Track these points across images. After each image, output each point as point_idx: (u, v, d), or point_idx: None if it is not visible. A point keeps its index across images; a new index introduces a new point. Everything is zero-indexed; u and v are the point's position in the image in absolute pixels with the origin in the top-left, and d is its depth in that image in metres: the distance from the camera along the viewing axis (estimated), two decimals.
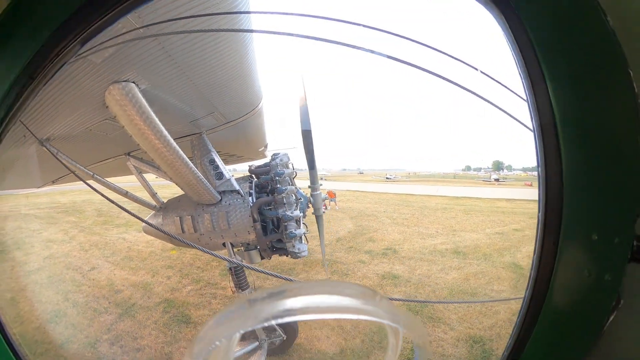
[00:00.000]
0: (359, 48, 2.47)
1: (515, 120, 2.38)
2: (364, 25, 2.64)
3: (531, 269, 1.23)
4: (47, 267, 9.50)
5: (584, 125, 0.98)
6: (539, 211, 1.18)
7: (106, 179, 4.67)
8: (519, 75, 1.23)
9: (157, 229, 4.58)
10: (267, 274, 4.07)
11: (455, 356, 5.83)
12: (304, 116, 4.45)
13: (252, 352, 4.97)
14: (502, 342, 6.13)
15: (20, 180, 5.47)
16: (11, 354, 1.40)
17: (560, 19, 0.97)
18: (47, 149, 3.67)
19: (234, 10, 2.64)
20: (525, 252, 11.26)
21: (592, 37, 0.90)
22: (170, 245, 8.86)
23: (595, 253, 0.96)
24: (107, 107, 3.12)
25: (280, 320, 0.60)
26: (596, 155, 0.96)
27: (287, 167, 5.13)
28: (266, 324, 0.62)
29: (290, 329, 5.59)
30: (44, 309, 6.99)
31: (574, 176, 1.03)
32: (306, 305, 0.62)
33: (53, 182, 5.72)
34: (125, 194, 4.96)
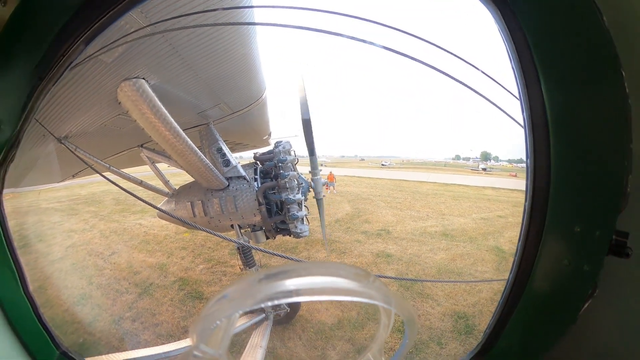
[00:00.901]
0: (358, 40, 2.39)
1: (503, 114, 2.33)
2: (362, 19, 2.55)
3: (515, 254, 1.23)
4: (71, 255, 9.58)
5: (574, 123, 0.95)
6: (525, 201, 1.17)
7: (122, 170, 4.67)
8: (512, 72, 1.18)
9: (170, 215, 4.60)
10: (271, 253, 4.13)
11: (441, 329, 6.00)
12: (304, 106, 4.37)
13: (259, 323, 5.11)
14: (483, 318, 6.27)
15: (42, 177, 5.46)
16: (46, 336, 1.44)
17: (557, 18, 0.91)
18: (65, 146, 3.65)
19: (238, 5, 2.54)
20: (507, 237, 11.34)
21: (587, 37, 0.85)
22: (183, 228, 8.95)
23: (576, 244, 0.95)
24: (119, 103, 3.08)
25: (277, 302, 0.59)
26: (584, 152, 0.93)
27: (289, 154, 5.12)
28: (263, 305, 0.62)
29: (294, 302, 5.73)
30: (71, 293, 7.11)
31: (562, 170, 1.01)
32: (302, 288, 0.61)
33: (73, 177, 5.71)
34: (140, 183, 4.96)
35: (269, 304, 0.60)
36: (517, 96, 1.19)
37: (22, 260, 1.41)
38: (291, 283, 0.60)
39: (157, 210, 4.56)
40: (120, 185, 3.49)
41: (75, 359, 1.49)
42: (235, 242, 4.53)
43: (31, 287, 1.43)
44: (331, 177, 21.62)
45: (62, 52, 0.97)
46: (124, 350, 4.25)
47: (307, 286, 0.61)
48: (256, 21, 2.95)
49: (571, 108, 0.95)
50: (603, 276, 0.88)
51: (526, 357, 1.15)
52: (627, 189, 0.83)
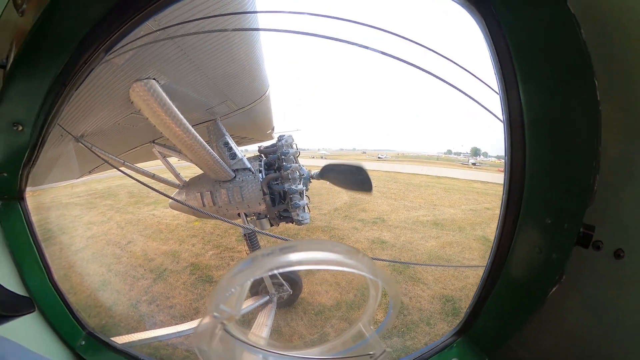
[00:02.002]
0: (353, 44, 2.38)
1: (492, 114, 2.34)
2: (356, 22, 2.52)
3: (493, 243, 1.27)
4: (91, 245, 9.62)
5: (548, 125, 0.97)
6: (503, 194, 1.20)
7: (135, 164, 4.69)
8: (494, 76, 1.20)
9: (182, 203, 4.66)
10: (276, 237, 4.22)
11: (430, 311, 6.11)
12: None
13: (264, 305, 5.22)
14: (469, 301, 6.33)
15: (61, 174, 5.47)
16: (73, 319, 1.50)
17: (537, 28, 0.92)
18: (82, 144, 3.65)
19: (242, 11, 2.51)
20: (493, 228, 11.07)
21: (564, 47, 0.86)
22: (193, 217, 8.99)
23: (547, 234, 0.99)
24: (132, 102, 3.08)
25: (281, 270, 0.66)
26: (556, 152, 0.96)
27: (292, 147, 5.12)
28: (270, 274, 0.68)
29: (296, 285, 5.83)
30: (92, 280, 7.19)
31: (535, 167, 1.04)
32: (302, 259, 0.67)
33: (90, 173, 5.72)
34: (153, 176, 4.98)
35: (275, 272, 0.65)
36: (499, 98, 1.21)
37: (48, 251, 1.46)
38: (293, 255, 0.67)
39: (169, 202, 4.60)
40: (135, 178, 3.52)
41: (100, 338, 1.55)
42: (242, 226, 4.61)
43: (56, 276, 1.49)
44: None
45: (83, 60, 0.99)
46: (142, 330, 4.38)
47: (306, 258, 0.67)
48: (260, 25, 2.92)
49: (546, 111, 0.97)
50: (570, 264, 0.91)
51: (500, 335, 1.20)
52: (595, 187, 0.86)
